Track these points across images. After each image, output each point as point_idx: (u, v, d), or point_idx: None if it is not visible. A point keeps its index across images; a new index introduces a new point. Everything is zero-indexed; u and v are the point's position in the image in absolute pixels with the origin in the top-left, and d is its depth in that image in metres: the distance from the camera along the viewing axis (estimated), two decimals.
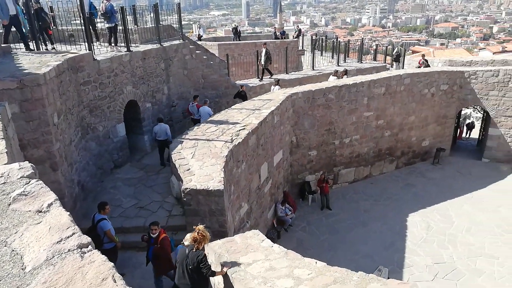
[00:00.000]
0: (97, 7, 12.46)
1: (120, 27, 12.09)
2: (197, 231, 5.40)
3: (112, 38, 12.06)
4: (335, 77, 17.73)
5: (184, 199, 8.01)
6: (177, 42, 14.43)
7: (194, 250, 5.45)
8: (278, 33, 30.77)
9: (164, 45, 13.47)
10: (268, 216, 12.62)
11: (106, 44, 12.23)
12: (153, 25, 13.91)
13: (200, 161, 8.99)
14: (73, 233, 2.35)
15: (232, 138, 9.95)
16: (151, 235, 7.10)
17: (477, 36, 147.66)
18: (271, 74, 18.41)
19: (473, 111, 24.06)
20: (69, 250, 2.26)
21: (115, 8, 11.98)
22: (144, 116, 12.63)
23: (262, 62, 17.55)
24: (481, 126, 20.58)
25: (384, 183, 16.58)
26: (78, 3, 10.37)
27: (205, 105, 13.05)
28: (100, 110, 10.64)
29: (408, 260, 11.62)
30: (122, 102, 11.49)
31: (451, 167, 17.81)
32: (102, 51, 11.46)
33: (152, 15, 14.13)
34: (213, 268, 5.38)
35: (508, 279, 10.76)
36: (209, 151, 9.40)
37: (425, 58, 21.27)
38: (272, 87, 16.27)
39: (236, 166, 9.68)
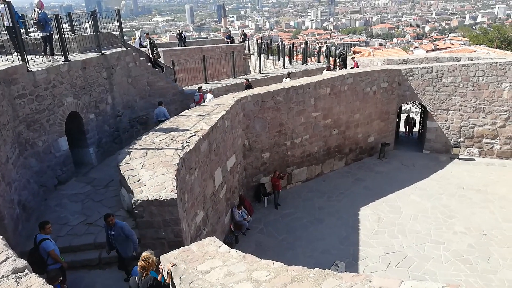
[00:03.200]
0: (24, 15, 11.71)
1: (56, 36, 11.46)
2: (143, 259, 5.63)
3: (48, 48, 11.39)
4: (289, 78, 18.26)
5: (136, 211, 7.71)
6: (119, 49, 13.94)
7: (143, 278, 5.64)
8: (224, 37, 30.79)
9: (105, 53, 12.96)
10: (225, 221, 12.51)
11: (42, 54, 11.52)
12: (92, 33, 13.34)
13: (151, 171, 8.71)
14: (7, 258, 2.16)
15: (183, 145, 9.75)
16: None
17: (412, 36, 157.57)
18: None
19: (412, 106, 25.57)
20: (2, 276, 2.07)
21: (49, 17, 11.33)
22: (88, 127, 12.04)
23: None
24: (420, 119, 21.90)
25: (336, 179, 17.11)
26: (6, 12, 9.70)
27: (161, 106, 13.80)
28: (38, 124, 9.98)
29: (362, 253, 12.05)
30: (62, 115, 10.88)
31: (396, 160, 18.78)
32: (38, 62, 10.78)
33: (90, 22, 13.55)
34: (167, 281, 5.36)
35: (453, 262, 11.50)
36: (160, 160, 9.14)
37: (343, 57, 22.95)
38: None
39: (189, 174, 9.50)
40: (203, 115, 12.12)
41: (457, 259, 11.62)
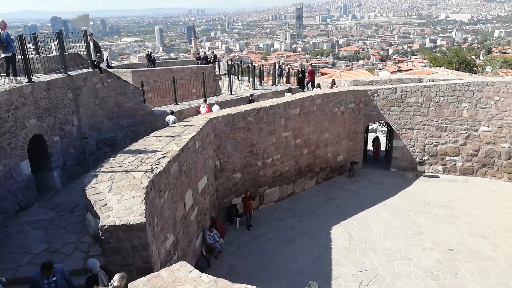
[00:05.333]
0: None
1: (20, 57, 11.10)
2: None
3: (10, 69, 11.00)
4: (290, 93, 19.43)
5: (103, 237, 7.41)
6: (85, 70, 13.66)
7: None
8: (195, 58, 30.94)
9: (71, 74, 12.64)
10: (196, 245, 12.23)
11: (3, 75, 11.10)
12: (58, 54, 13.02)
13: (118, 194, 8.45)
14: None
15: (152, 167, 9.55)
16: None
17: (376, 58, 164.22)
18: None
19: (379, 125, 26.38)
20: None
21: (12, 37, 10.99)
22: (52, 150, 11.58)
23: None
24: (386, 138, 22.58)
25: (307, 198, 17.21)
26: None
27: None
28: None
29: (335, 272, 12.05)
30: (25, 137, 10.43)
31: (365, 178, 19.15)
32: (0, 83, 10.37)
33: (56, 43, 13.24)
34: None
35: (423, 279, 11.70)
36: (128, 183, 8.89)
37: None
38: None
39: (159, 196, 9.28)
40: (173, 136, 11.97)
41: (426, 275, 11.84)
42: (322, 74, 50.14)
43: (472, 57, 67.91)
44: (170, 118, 15.38)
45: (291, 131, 16.76)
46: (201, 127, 12.80)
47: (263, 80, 23.86)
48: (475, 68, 48.81)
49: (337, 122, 18.74)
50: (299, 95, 18.00)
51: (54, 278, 6.70)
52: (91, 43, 14.39)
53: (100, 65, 14.97)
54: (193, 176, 11.77)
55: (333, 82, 22.29)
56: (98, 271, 6.98)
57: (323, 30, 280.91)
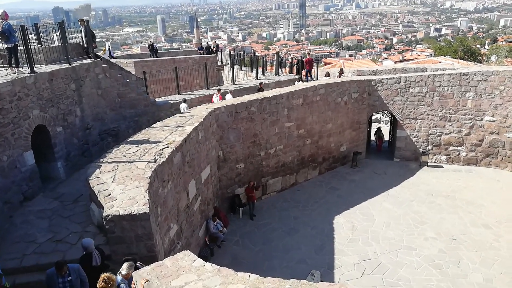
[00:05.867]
0: None
1: (22, 47, 11.08)
2: (103, 280, 5.75)
3: (13, 60, 10.98)
4: (301, 81, 20.18)
5: (107, 226, 7.47)
6: (88, 61, 13.63)
7: None
8: (197, 49, 30.76)
9: (73, 65, 12.63)
10: (199, 234, 12.32)
11: (6, 66, 11.10)
12: (60, 44, 12.98)
13: (122, 184, 8.49)
14: None
15: (155, 158, 9.58)
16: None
17: (380, 47, 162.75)
18: None
19: (382, 115, 26.26)
20: None
21: (14, 28, 10.95)
22: (55, 141, 11.63)
23: None
24: (390, 128, 22.48)
25: (310, 188, 17.24)
26: None
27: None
28: (3, 138, 9.55)
29: (337, 261, 12.12)
30: (28, 128, 10.47)
31: (368, 168, 19.13)
32: (2, 74, 10.36)
33: (58, 33, 13.18)
34: None
35: (425, 268, 11.75)
36: (131, 173, 8.92)
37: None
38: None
39: (162, 186, 9.32)
40: (176, 127, 11.98)
41: (429, 264, 11.89)
42: (326, 64, 49.80)
43: (477, 46, 67.13)
44: (182, 105, 15.67)
45: (294, 121, 16.71)
46: (204, 117, 12.79)
47: (266, 70, 23.75)
48: (480, 57, 48.30)
49: (340, 112, 18.65)
50: (302, 85, 17.91)
51: (69, 278, 6.72)
52: (82, 30, 14.13)
53: (92, 52, 14.44)
54: (196, 166, 11.80)
55: (341, 71, 22.25)
56: (93, 249, 7.07)
57: (326, 19, 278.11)
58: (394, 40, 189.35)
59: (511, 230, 13.49)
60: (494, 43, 76.15)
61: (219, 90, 17.51)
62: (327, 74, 21.88)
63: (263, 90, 17.84)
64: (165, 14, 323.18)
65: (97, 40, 15.69)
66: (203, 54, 29.03)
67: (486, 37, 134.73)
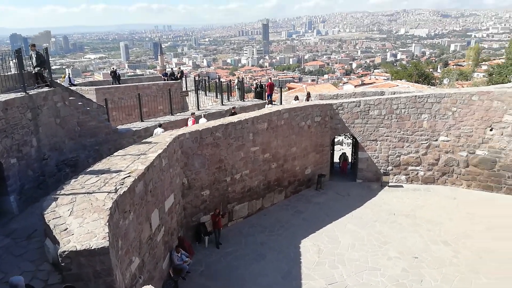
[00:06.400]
0: None
1: None
2: None
3: None
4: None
5: (63, 264, 7.08)
6: (46, 89, 13.22)
7: None
8: (161, 75, 30.66)
9: (30, 93, 12.20)
10: (163, 266, 11.92)
11: None
12: (17, 72, 12.54)
13: (80, 217, 8.14)
14: None
15: (116, 188, 9.29)
16: None
17: (341, 72, 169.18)
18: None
19: (345, 137, 27.01)
20: None
21: None
22: (8, 173, 11.03)
23: None
24: (352, 150, 23.12)
25: (276, 213, 17.24)
26: None
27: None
28: None
29: (305, 286, 12.07)
30: None
31: (332, 190, 19.46)
32: None
33: (15, 61, 12.75)
34: None
35: None
36: (90, 205, 8.59)
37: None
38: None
39: (123, 218, 9.02)
40: (139, 155, 11.73)
41: (393, 284, 12.08)
42: (289, 88, 50.93)
43: (430, 70, 71.19)
44: (158, 130, 15.42)
45: (260, 145, 16.85)
46: (167, 144, 12.63)
47: (231, 95, 23.97)
48: (434, 81, 51.19)
49: (304, 136, 19.02)
50: (266, 110, 18.19)
51: None
52: (33, 54, 13.63)
53: (43, 76, 13.72)
54: (159, 195, 11.55)
55: (309, 95, 22.91)
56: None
57: (289, 46, 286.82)
58: (354, 65, 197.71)
59: (468, 246, 14.03)
60: (445, 67, 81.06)
61: (193, 114, 17.55)
62: (296, 98, 22.43)
63: (236, 114, 17.96)
64: (128, 41, 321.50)
65: (54, 67, 15.32)
66: (168, 80, 28.96)
67: (438, 61, 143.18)
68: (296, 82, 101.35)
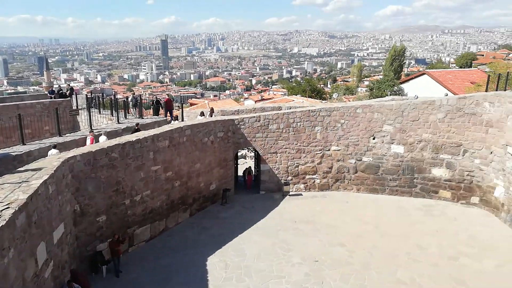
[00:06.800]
0: None
1: None
2: None
3: None
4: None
5: None
6: None
7: None
8: (47, 92, 27.92)
9: None
10: None
11: None
12: None
13: None
14: None
15: None
16: None
17: (242, 88, 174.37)
18: None
19: (248, 151, 27.70)
20: None
21: None
22: None
23: None
24: (254, 163, 23.79)
25: (182, 232, 16.77)
26: None
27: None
28: None
29: None
30: None
31: (238, 204, 19.70)
32: None
33: None
34: None
35: None
36: None
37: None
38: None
39: (1, 256, 7.84)
40: (20, 182, 10.40)
41: None
42: (191, 104, 50.66)
43: (322, 85, 77.58)
44: (52, 151, 14.05)
45: (161, 164, 16.30)
46: (54, 169, 11.44)
47: (128, 113, 22.84)
48: (325, 95, 55.77)
49: (208, 152, 18.99)
50: (167, 127, 17.73)
51: None
52: None
53: None
54: (46, 226, 10.34)
55: (212, 110, 22.94)
56: None
57: (189, 62, 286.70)
58: (254, 81, 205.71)
59: (361, 245, 15.34)
60: (334, 83, 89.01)
61: (91, 131, 16.53)
62: (202, 114, 22.33)
63: (140, 130, 17.21)
64: (7, 55, 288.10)
65: None
66: (55, 98, 26.49)
67: (328, 77, 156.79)
68: (198, 98, 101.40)
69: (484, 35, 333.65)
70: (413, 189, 20.02)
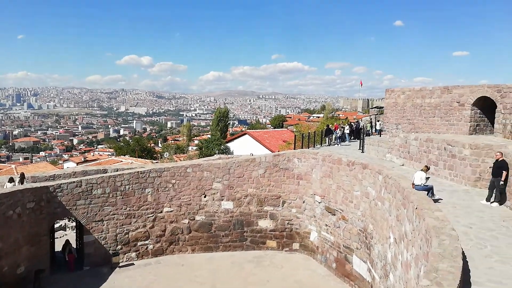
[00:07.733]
0: None
1: None
2: None
3: None
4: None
5: None
6: None
7: None
8: None
9: None
10: None
11: None
12: None
13: None
14: None
15: None
16: None
17: (60, 149, 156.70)
18: None
19: (68, 221, 24.35)
20: None
21: None
22: None
23: None
24: (76, 235, 20.96)
25: None
26: None
27: None
28: None
29: None
30: None
31: (55, 287, 16.69)
32: None
33: None
34: None
35: None
36: None
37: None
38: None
39: None
40: None
41: None
42: None
43: (152, 145, 76.80)
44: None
45: None
46: None
47: None
48: (155, 155, 55.15)
49: (14, 227, 15.85)
50: None
51: None
52: None
53: None
54: None
55: (23, 176, 18.69)
56: None
57: None
58: (75, 141, 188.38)
59: None
60: (165, 142, 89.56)
61: None
62: (11, 180, 18.05)
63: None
64: None
65: None
66: None
67: (158, 136, 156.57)
68: (3, 162, 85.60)
69: (290, 101, 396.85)
70: (244, 242, 21.02)
